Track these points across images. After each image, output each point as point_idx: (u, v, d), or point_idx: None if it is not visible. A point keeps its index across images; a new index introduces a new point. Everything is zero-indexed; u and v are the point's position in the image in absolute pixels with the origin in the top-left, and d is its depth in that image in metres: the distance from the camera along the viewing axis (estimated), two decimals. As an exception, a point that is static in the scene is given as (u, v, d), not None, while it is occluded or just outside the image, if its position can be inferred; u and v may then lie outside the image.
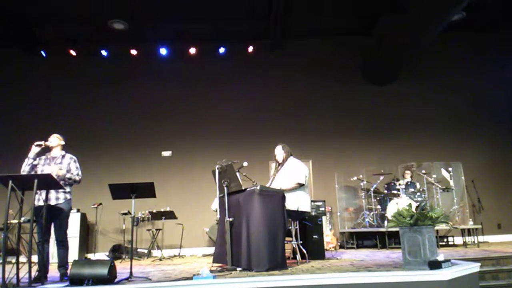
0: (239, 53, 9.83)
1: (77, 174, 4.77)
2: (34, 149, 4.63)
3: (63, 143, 4.90)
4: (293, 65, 9.91)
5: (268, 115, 9.65)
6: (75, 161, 4.84)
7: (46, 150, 4.80)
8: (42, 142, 4.65)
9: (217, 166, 4.88)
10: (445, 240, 8.27)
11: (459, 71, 9.85)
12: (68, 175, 4.65)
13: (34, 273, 3.97)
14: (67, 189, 4.66)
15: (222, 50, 9.80)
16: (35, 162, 4.65)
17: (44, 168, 4.63)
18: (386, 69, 9.61)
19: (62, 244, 4.57)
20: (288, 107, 9.70)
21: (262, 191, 4.53)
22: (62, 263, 4.53)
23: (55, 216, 4.51)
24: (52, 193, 4.52)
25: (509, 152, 9.71)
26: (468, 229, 7.77)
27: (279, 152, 5.54)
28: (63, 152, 4.87)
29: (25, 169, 4.55)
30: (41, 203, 4.28)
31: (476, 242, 7.55)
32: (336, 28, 9.81)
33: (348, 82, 9.87)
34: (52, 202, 4.51)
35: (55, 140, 4.82)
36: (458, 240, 8.15)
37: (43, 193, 4.35)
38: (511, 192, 9.32)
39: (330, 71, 9.87)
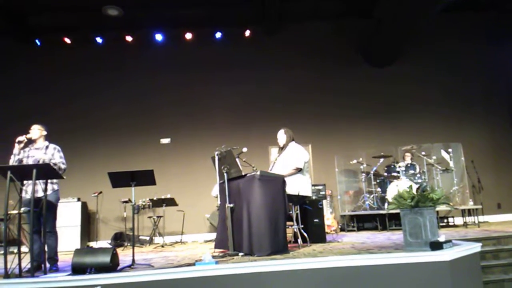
0: (236, 37, 9.69)
1: (62, 163, 4.65)
2: (17, 146, 4.52)
3: (45, 133, 4.77)
4: (291, 48, 9.77)
5: (267, 99, 9.57)
6: (58, 151, 4.73)
7: (30, 143, 4.68)
8: (23, 137, 4.53)
9: (216, 152, 4.86)
10: (446, 221, 8.32)
11: (457, 51, 9.75)
12: (53, 161, 4.51)
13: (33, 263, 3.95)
14: (54, 180, 4.57)
15: (218, 35, 9.65)
16: (20, 157, 4.55)
17: (30, 153, 4.56)
18: (386, 51, 9.51)
19: (51, 235, 4.51)
20: (286, 91, 9.62)
21: (262, 176, 4.51)
22: (51, 255, 4.47)
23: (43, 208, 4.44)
24: (39, 185, 4.33)
25: (508, 132, 9.71)
26: (469, 210, 7.82)
27: (281, 136, 5.53)
28: (46, 143, 4.75)
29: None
30: (29, 195, 4.13)
31: (476, 222, 7.58)
32: (335, 10, 9.64)
33: (347, 65, 9.77)
34: (40, 194, 4.36)
35: (37, 132, 4.68)
36: (459, 220, 8.20)
37: (30, 186, 4.11)
38: (510, 172, 9.34)
39: (329, 53, 9.76)
